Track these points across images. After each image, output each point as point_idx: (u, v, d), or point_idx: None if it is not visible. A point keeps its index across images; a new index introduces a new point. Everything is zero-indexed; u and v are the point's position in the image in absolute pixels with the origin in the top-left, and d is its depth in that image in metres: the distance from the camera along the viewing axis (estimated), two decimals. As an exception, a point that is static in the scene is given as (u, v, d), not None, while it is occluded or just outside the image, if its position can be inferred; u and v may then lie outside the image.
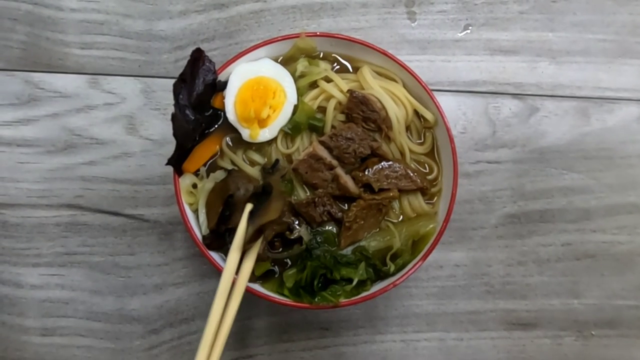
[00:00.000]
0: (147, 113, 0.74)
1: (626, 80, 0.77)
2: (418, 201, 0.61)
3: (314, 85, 0.63)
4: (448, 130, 0.61)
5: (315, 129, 0.62)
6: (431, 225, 0.60)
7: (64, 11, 0.77)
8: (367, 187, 0.60)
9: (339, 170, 0.60)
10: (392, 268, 0.58)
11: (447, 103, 0.74)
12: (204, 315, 0.69)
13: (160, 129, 0.74)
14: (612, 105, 0.77)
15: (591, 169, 0.75)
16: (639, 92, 0.77)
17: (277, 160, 0.60)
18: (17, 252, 0.71)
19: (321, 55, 0.64)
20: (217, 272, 0.58)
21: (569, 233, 0.73)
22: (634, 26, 0.78)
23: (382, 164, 0.60)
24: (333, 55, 0.65)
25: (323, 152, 0.60)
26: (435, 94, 0.63)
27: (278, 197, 0.55)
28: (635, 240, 0.73)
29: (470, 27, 0.78)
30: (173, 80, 0.60)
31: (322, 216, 0.59)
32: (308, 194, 0.61)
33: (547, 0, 0.79)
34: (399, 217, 0.62)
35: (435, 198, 0.62)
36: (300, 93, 0.62)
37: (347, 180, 0.60)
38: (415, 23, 0.78)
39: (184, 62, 0.61)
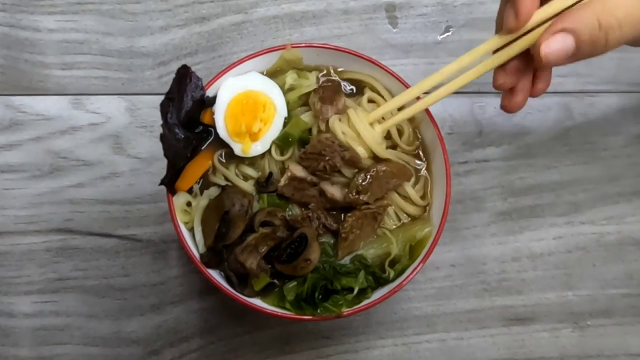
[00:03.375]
0: (133, 131, 0.74)
1: (605, 73, 0.79)
2: (410, 192, 0.62)
3: (303, 98, 0.63)
4: (439, 134, 0.62)
5: (306, 143, 0.61)
6: (427, 229, 0.60)
7: (41, 32, 0.76)
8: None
9: (323, 185, 0.60)
10: (392, 274, 0.58)
11: (433, 105, 0.75)
12: (204, 332, 0.69)
13: (147, 147, 0.73)
14: (592, 99, 0.79)
15: (577, 162, 0.76)
16: (617, 84, 0.79)
17: (270, 174, 0.60)
18: (8, 281, 0.69)
19: (312, 66, 0.64)
20: (215, 288, 0.57)
21: (559, 227, 0.74)
22: (609, 20, 0.80)
23: (365, 173, 0.59)
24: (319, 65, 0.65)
25: (302, 172, 0.59)
26: (421, 96, 0.64)
27: (314, 242, 0.56)
28: (623, 229, 0.74)
29: (451, 29, 0.79)
30: (158, 97, 0.59)
31: (318, 230, 0.59)
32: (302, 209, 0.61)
33: (524, -2, 0.81)
34: (398, 222, 0.62)
35: (429, 202, 0.63)
36: (290, 107, 0.62)
37: (334, 192, 0.60)
38: (397, 27, 0.79)
39: (168, 78, 0.60)
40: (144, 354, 0.68)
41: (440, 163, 0.61)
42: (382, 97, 0.64)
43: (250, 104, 0.60)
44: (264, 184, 0.60)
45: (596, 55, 0.51)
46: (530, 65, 0.55)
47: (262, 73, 0.63)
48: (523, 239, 0.73)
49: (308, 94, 0.63)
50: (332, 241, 0.60)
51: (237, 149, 0.60)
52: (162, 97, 0.58)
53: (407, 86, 0.63)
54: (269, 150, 0.61)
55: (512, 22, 0.51)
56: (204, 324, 0.69)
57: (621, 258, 0.73)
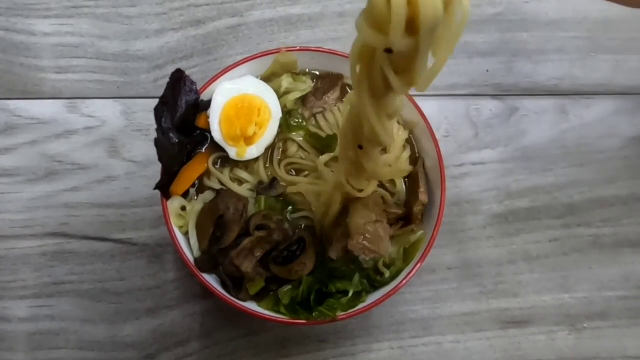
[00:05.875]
0: (128, 135, 0.73)
1: (600, 75, 0.79)
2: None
3: (300, 101, 0.63)
4: (434, 137, 0.62)
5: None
6: (421, 232, 0.60)
7: (37, 36, 0.76)
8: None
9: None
10: (387, 274, 0.58)
11: (429, 108, 0.74)
12: (200, 336, 0.69)
13: (143, 151, 0.73)
14: (588, 101, 0.79)
15: (573, 164, 0.76)
16: (613, 86, 0.79)
17: (274, 179, 0.60)
18: (3, 286, 0.69)
19: (307, 70, 0.64)
20: (210, 293, 0.57)
21: (555, 229, 0.74)
22: (605, 23, 0.80)
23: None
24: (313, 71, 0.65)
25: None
26: (416, 99, 0.64)
27: (312, 247, 0.56)
28: (619, 232, 0.74)
29: (446, 32, 0.79)
30: (153, 101, 0.59)
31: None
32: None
33: (519, 1, 0.81)
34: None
35: (424, 205, 0.62)
36: (286, 111, 0.62)
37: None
38: (393, 30, 0.79)
39: (164, 82, 0.60)
40: (140, 358, 0.68)
41: (436, 166, 0.61)
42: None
43: (245, 107, 0.60)
44: (267, 187, 0.59)
45: None
46: None
47: (258, 77, 0.63)
48: (519, 242, 0.73)
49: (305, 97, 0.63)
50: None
51: (232, 152, 0.60)
52: (157, 101, 0.58)
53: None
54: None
55: None
56: (200, 327, 0.69)
57: (617, 260, 0.73)
